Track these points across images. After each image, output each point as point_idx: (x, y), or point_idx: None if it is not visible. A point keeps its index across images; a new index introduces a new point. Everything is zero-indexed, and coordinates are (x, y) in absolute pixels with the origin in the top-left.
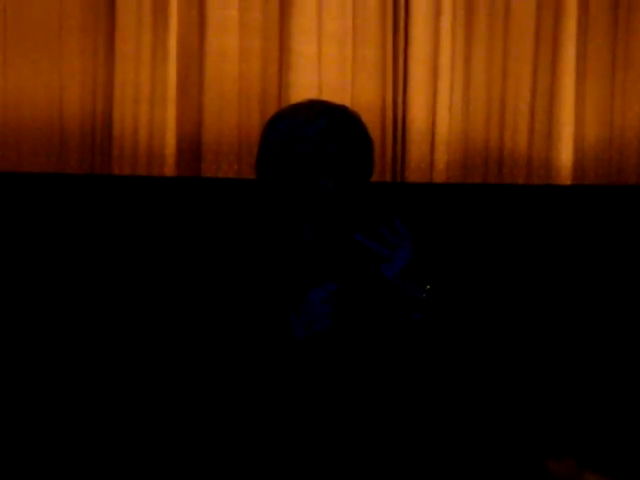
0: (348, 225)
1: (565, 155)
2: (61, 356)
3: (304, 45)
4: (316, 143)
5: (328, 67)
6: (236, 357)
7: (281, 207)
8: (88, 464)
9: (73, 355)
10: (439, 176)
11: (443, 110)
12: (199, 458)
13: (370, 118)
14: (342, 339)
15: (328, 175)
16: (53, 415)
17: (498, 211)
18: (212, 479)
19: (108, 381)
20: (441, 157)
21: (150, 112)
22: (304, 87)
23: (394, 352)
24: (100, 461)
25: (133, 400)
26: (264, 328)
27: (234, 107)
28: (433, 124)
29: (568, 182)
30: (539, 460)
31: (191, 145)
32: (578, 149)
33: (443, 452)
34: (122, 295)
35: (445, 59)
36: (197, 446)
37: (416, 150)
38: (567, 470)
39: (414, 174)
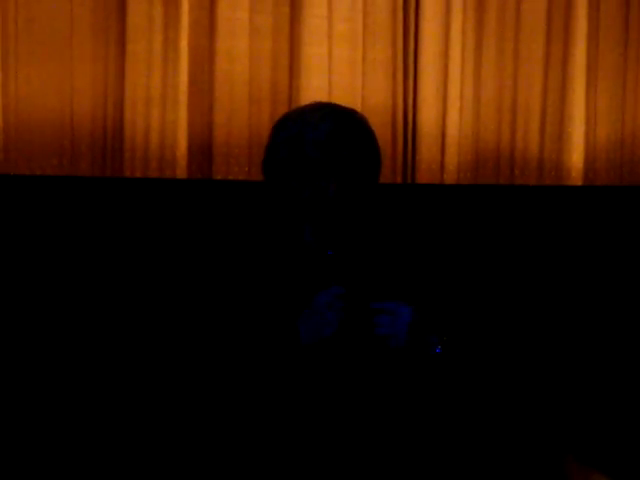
0: (353, 228)
1: (576, 156)
2: (73, 360)
3: (314, 47)
4: (320, 146)
5: (338, 69)
6: (242, 361)
7: (284, 208)
8: (88, 464)
9: (85, 358)
10: (450, 177)
11: (454, 111)
12: (203, 460)
13: (380, 120)
14: (348, 344)
15: (330, 178)
16: (53, 414)
17: (509, 212)
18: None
19: (110, 383)
20: (452, 158)
21: (161, 114)
22: (314, 89)
23: (401, 363)
24: (101, 461)
25: (137, 403)
26: (270, 333)
27: (245, 109)
28: (444, 125)
29: (579, 183)
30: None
31: (202, 147)
32: (589, 150)
33: (444, 458)
34: (133, 297)
35: (455, 60)
36: (201, 449)
37: (427, 151)
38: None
39: (425, 175)
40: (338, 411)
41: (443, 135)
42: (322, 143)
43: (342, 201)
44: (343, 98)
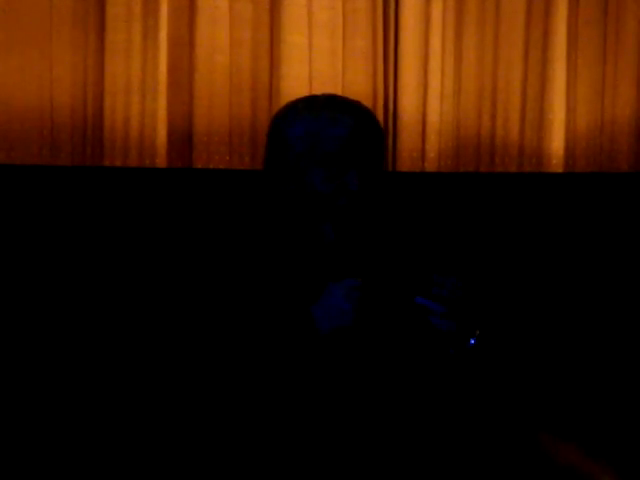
0: (370, 221)
1: (556, 143)
2: (54, 351)
3: (295, 36)
4: (343, 141)
5: (319, 57)
6: (257, 351)
7: (302, 204)
8: (88, 464)
9: (65, 351)
10: (431, 165)
11: (434, 99)
12: (212, 451)
13: None
14: (364, 335)
15: (352, 173)
16: (51, 414)
17: (490, 199)
18: (227, 474)
19: (117, 378)
20: (433, 146)
21: (141, 103)
22: (295, 77)
23: (416, 356)
24: (101, 460)
25: (145, 398)
26: (285, 322)
27: (225, 98)
28: (424, 113)
29: (560, 170)
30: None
31: (182, 136)
32: (569, 137)
33: (453, 453)
34: (116, 289)
35: (435, 48)
36: (211, 438)
37: (407, 139)
38: (569, 454)
39: (406, 163)
40: (350, 401)
41: (424, 123)
42: (344, 138)
43: (364, 193)
44: (324, 87)
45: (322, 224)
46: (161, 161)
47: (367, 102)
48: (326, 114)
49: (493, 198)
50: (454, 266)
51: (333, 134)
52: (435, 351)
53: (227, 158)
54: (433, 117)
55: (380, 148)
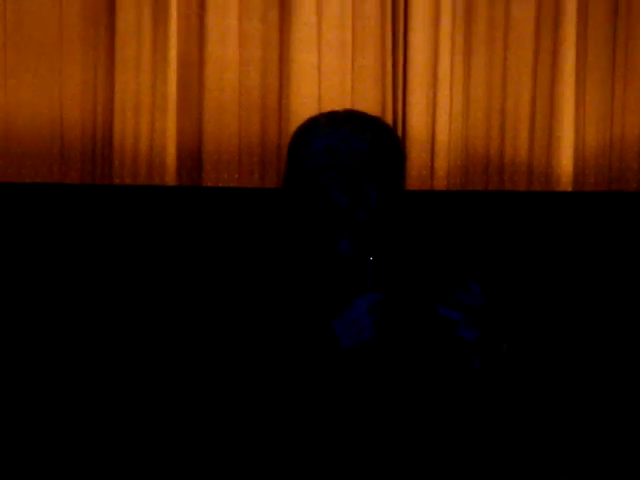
0: (390, 235)
1: (565, 162)
2: (71, 366)
3: (304, 54)
4: (363, 155)
5: (328, 76)
6: (279, 366)
7: (321, 217)
8: (94, 464)
9: (84, 366)
10: (440, 183)
11: (443, 117)
12: (230, 461)
13: None
14: (387, 349)
15: (372, 186)
16: (54, 415)
17: (499, 218)
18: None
19: (142, 389)
20: (442, 164)
21: (150, 121)
22: (304, 96)
23: (442, 377)
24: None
25: (167, 405)
26: (306, 336)
27: (234, 116)
28: (433, 131)
29: (569, 188)
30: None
31: (191, 154)
32: (578, 156)
33: (466, 466)
34: (127, 307)
35: (444, 67)
36: (230, 451)
37: (417, 157)
38: None
39: (415, 181)
40: (373, 415)
41: (433, 141)
42: (365, 152)
43: (383, 207)
44: (333, 105)
45: (341, 238)
46: (170, 179)
47: (386, 121)
48: (346, 128)
49: (502, 216)
50: (472, 278)
51: (353, 147)
52: (459, 363)
53: (236, 176)
54: (442, 135)
55: (400, 163)
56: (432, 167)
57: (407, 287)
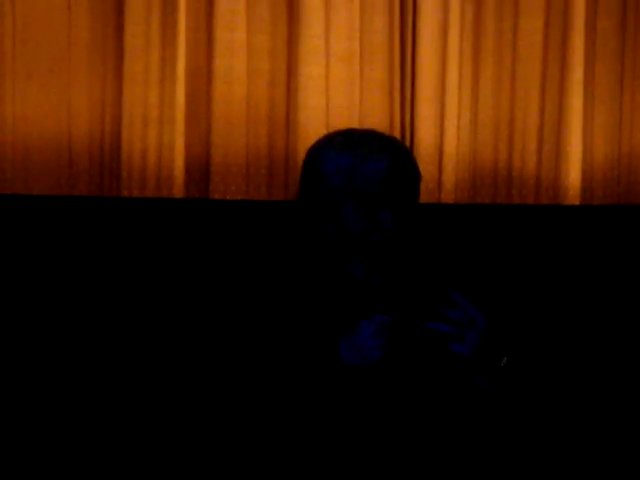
0: (400, 257)
1: (573, 175)
2: (78, 375)
3: (312, 67)
4: (379, 180)
5: (336, 88)
6: (283, 384)
7: (334, 239)
8: (96, 464)
9: (91, 378)
10: (447, 196)
11: (451, 130)
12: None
13: None
14: (392, 372)
15: (387, 211)
16: (56, 416)
17: (507, 231)
18: None
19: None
20: (449, 177)
21: (158, 134)
22: (312, 108)
23: (448, 400)
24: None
25: (168, 415)
26: (313, 357)
27: (242, 129)
28: (441, 144)
29: (577, 202)
30: None
31: (199, 167)
32: (586, 169)
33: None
34: (134, 319)
35: (453, 79)
36: (229, 462)
37: (424, 170)
38: None
39: (422, 194)
40: (377, 436)
41: (440, 154)
42: (381, 179)
43: (397, 232)
44: (340, 118)
45: (352, 260)
46: (178, 191)
47: (402, 142)
48: (362, 151)
49: (510, 230)
50: (470, 293)
51: (368, 172)
52: (459, 381)
53: (244, 189)
54: (450, 148)
55: (415, 185)
56: (440, 180)
57: (414, 307)
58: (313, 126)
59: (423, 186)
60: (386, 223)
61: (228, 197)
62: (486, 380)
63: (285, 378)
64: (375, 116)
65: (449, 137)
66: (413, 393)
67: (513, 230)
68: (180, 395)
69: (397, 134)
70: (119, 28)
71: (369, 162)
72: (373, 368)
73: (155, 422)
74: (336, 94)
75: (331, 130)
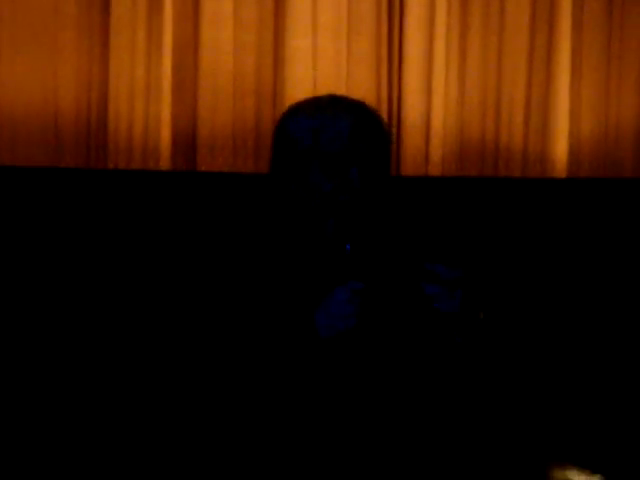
0: (372, 221)
1: (560, 148)
2: (52, 353)
3: (299, 39)
4: (345, 139)
5: (323, 60)
6: (257, 354)
7: (304, 201)
8: (93, 464)
9: (68, 352)
10: (434, 169)
11: (438, 103)
12: (211, 458)
13: None
14: (367, 339)
15: (354, 170)
16: (55, 414)
17: (494, 204)
18: (226, 474)
19: (117, 381)
20: (436, 150)
21: (145, 106)
22: (299, 81)
23: (426, 365)
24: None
25: (145, 397)
26: (287, 325)
27: (229, 101)
28: (428, 117)
29: (563, 175)
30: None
31: (186, 139)
32: (573, 142)
33: (459, 458)
34: (118, 290)
35: (440, 52)
36: (210, 438)
37: (411, 143)
38: None
39: (409, 167)
40: (352, 406)
41: (428, 127)
42: (345, 136)
43: (366, 192)
44: (327, 90)
45: (324, 222)
46: (165, 164)
47: (371, 105)
48: (328, 112)
49: (496, 203)
50: (452, 258)
51: (334, 131)
52: (442, 340)
53: (231, 161)
54: (437, 121)
55: (384, 146)
56: (427, 153)
57: (388, 272)
58: (300, 98)
59: (410, 158)
60: (354, 182)
61: (215, 169)
62: (463, 336)
63: (260, 349)
64: (362, 88)
65: (436, 109)
66: (391, 359)
67: (500, 203)
68: (157, 367)
69: (384, 106)
70: (105, 0)
71: (334, 122)
72: (348, 335)
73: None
74: (323, 66)
75: None
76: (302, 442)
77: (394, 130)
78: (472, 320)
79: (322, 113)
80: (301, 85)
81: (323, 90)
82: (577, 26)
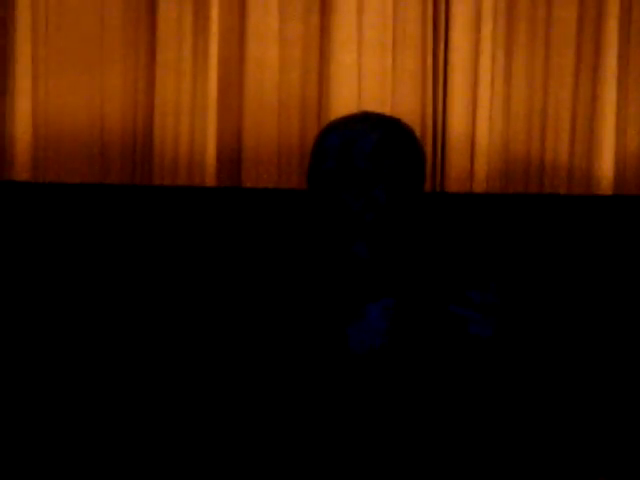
0: (403, 238)
1: (606, 165)
2: (76, 364)
3: (344, 55)
4: (370, 156)
5: (368, 77)
6: (290, 369)
7: (332, 219)
8: (93, 464)
9: (107, 373)
10: (479, 186)
11: (483, 119)
12: (233, 461)
13: None
14: (398, 356)
15: (381, 188)
16: (56, 414)
17: (539, 221)
18: None
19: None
20: (481, 167)
21: (190, 122)
22: (344, 97)
23: (453, 373)
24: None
25: (170, 403)
26: (320, 341)
27: (274, 117)
28: (473, 133)
29: (609, 192)
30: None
31: (231, 155)
32: (619, 159)
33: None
34: (166, 305)
35: (485, 68)
36: (234, 455)
37: (456, 160)
38: None
39: (454, 184)
40: (385, 422)
41: (472, 144)
42: (371, 153)
43: (394, 210)
44: (372, 106)
45: (355, 242)
46: (210, 180)
47: (415, 122)
48: (357, 128)
49: (542, 220)
50: (489, 277)
51: (359, 147)
52: (474, 362)
53: (275, 177)
54: (482, 138)
55: (415, 163)
56: (471, 169)
57: (421, 290)
58: (344, 114)
59: (455, 175)
60: (380, 200)
61: (260, 185)
62: (493, 361)
63: (292, 366)
64: (407, 105)
65: (481, 126)
66: (421, 377)
67: (545, 220)
68: (178, 375)
69: (429, 124)
70: (152, 16)
71: (360, 138)
72: (380, 351)
73: (150, 402)
74: (368, 83)
75: None
76: (330, 455)
77: (438, 146)
78: (504, 347)
79: (351, 129)
80: (346, 101)
81: (368, 106)
82: (624, 41)
